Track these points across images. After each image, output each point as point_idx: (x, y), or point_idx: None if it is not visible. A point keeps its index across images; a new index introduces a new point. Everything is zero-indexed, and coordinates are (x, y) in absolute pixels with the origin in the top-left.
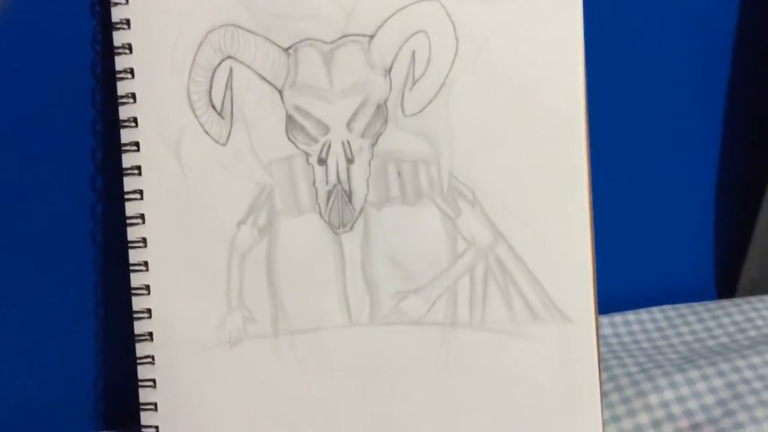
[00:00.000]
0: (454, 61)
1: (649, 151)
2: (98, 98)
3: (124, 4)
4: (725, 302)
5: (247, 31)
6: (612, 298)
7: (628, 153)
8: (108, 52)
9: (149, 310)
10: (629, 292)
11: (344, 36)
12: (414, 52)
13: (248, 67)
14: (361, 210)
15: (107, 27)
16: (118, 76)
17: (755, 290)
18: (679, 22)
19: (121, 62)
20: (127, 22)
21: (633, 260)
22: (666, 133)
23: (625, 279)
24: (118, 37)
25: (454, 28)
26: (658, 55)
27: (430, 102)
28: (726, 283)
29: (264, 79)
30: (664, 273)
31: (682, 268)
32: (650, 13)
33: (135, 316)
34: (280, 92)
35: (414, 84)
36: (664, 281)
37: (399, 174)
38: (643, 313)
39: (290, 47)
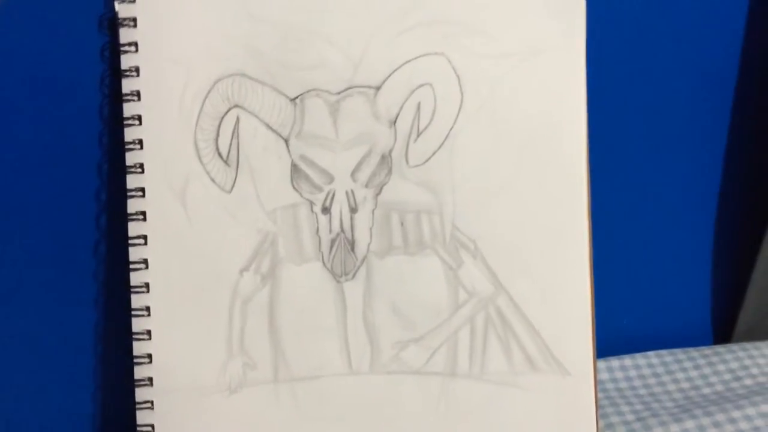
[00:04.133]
0: (458, 113)
1: (647, 197)
2: (105, 142)
3: (134, 51)
4: (721, 348)
5: (255, 80)
6: (609, 342)
7: (626, 198)
8: (116, 96)
9: (150, 356)
10: (626, 336)
11: (351, 87)
12: (419, 104)
13: (255, 116)
14: (364, 259)
15: (116, 72)
16: (125, 122)
17: (752, 336)
18: (682, 64)
19: (129, 109)
20: (137, 69)
21: (631, 304)
22: (664, 179)
23: (623, 323)
24: (127, 84)
25: (459, 81)
26: (656, 98)
27: (434, 153)
28: (723, 328)
29: (270, 128)
30: (662, 317)
31: (679, 312)
32: (653, 62)
33: (135, 361)
34: (286, 141)
35: (419, 135)
36: (661, 325)
37: (402, 224)
38: (640, 358)
39: (297, 97)
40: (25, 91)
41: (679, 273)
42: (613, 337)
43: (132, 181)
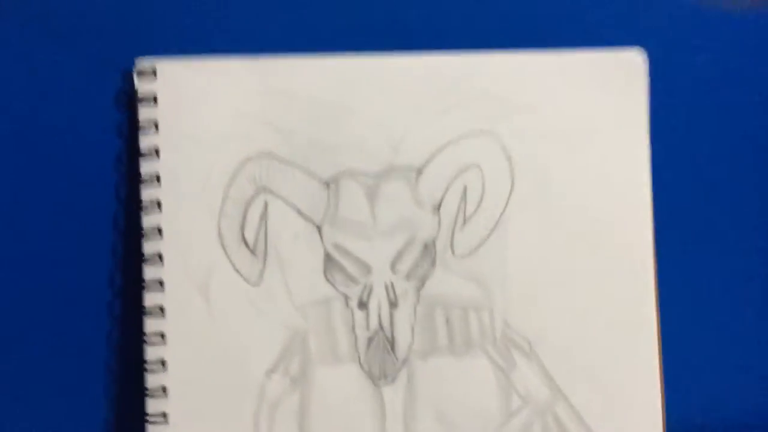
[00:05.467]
0: (509, 198)
1: (715, 283)
2: (120, 227)
3: (154, 131)
4: None
5: (285, 162)
6: None
7: (693, 288)
8: (134, 178)
9: None
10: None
11: (390, 169)
12: (466, 188)
13: (285, 200)
14: (405, 360)
15: (134, 152)
16: (143, 207)
17: None
18: (751, 141)
19: (147, 193)
20: (156, 150)
21: (700, 400)
22: (733, 263)
23: (691, 418)
24: (146, 166)
25: (509, 162)
26: (722, 177)
27: (482, 242)
28: None
29: (301, 214)
30: (731, 411)
31: (748, 407)
32: (720, 138)
33: None
34: (319, 228)
35: (465, 222)
36: (730, 419)
37: (447, 321)
38: None
39: (331, 180)
40: (36, 169)
41: (749, 366)
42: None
43: (149, 272)
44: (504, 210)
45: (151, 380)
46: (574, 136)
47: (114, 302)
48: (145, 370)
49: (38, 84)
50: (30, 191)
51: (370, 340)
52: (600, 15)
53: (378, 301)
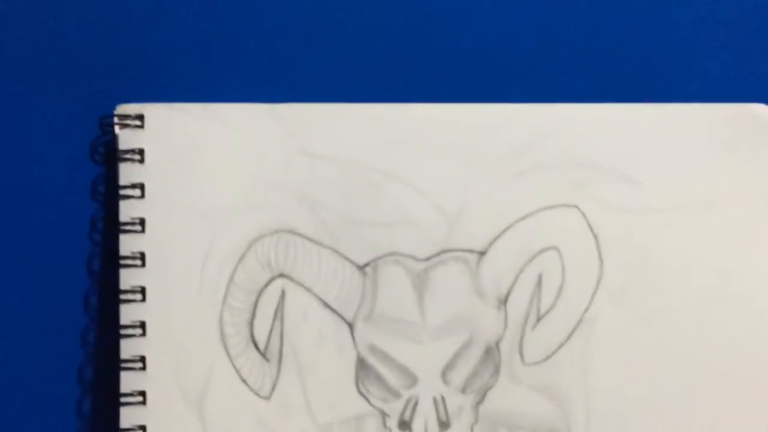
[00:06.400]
0: (596, 290)
1: None
2: (93, 317)
3: (138, 196)
4: None
5: (309, 240)
6: None
7: None
8: (110, 257)
9: None
10: None
11: (444, 251)
12: (540, 277)
13: (308, 289)
14: None
15: (112, 222)
16: (122, 297)
17: None
18: None
19: (128, 278)
20: (141, 222)
21: None
22: None
23: None
24: (127, 243)
25: (597, 243)
26: None
27: (560, 346)
28: None
29: (328, 306)
30: None
31: None
32: None
33: None
34: (351, 326)
35: (539, 320)
36: None
37: None
38: None
39: (368, 264)
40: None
41: None
42: None
43: (128, 383)
44: (589, 305)
45: None
46: (684, 209)
47: (82, 429)
48: None
49: None
50: None
51: None
52: (708, 68)
53: (425, 420)
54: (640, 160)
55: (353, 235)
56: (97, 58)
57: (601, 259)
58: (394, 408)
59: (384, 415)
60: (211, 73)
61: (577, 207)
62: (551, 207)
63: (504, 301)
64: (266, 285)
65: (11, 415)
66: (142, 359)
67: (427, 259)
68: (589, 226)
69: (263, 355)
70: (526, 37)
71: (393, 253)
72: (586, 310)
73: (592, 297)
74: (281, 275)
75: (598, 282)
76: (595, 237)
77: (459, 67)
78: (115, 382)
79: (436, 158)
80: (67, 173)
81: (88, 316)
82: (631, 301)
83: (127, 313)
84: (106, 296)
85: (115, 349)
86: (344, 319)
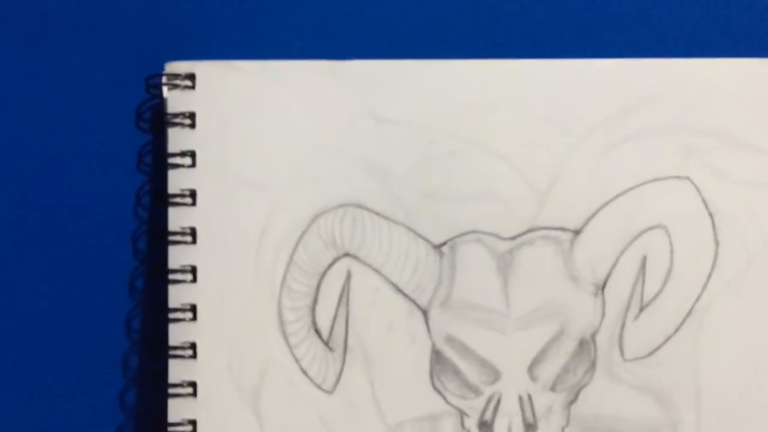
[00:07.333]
0: (710, 276)
1: None
2: (138, 301)
3: (189, 165)
4: None
5: (379, 215)
6: None
7: None
8: (159, 233)
9: None
10: None
11: (532, 230)
12: (644, 260)
13: (377, 271)
14: None
15: (160, 194)
16: (170, 277)
17: None
18: None
19: (177, 256)
20: (192, 194)
21: None
22: None
23: None
24: (176, 217)
25: (712, 223)
26: None
27: (667, 340)
28: None
29: (400, 291)
30: None
31: None
32: None
33: None
34: (425, 313)
35: (642, 310)
36: None
37: None
38: None
39: (445, 243)
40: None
41: None
42: None
43: (177, 373)
44: (701, 294)
45: None
46: None
47: (127, 422)
48: None
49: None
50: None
51: None
52: None
53: (508, 421)
54: None
55: (428, 210)
56: (142, 11)
57: (717, 241)
58: (474, 406)
59: (462, 414)
60: (269, 28)
61: (689, 179)
62: (658, 179)
63: (601, 287)
64: (330, 266)
65: (52, 406)
66: (193, 346)
67: (513, 238)
68: (704, 201)
69: (326, 344)
70: None
71: (474, 231)
72: (697, 299)
73: (705, 284)
74: (347, 255)
75: (713, 267)
76: (711, 215)
77: (551, 16)
78: (163, 371)
79: (524, 123)
80: (110, 142)
81: (134, 299)
82: (750, 290)
83: (176, 296)
84: (153, 277)
85: (163, 335)
86: (418, 306)
